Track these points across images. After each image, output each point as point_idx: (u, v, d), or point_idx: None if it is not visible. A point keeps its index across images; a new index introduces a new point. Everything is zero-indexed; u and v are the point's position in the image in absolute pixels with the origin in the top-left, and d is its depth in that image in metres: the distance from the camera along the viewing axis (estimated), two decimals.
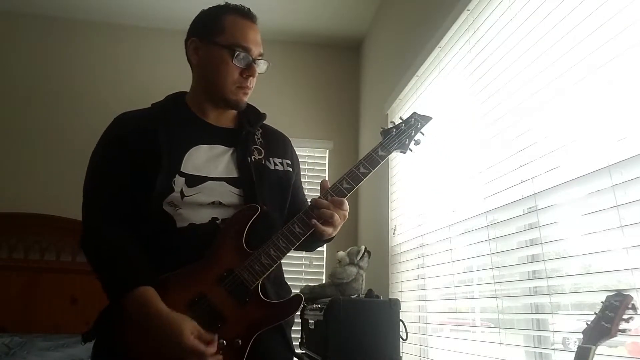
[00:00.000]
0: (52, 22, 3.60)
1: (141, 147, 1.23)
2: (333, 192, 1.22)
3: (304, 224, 1.19)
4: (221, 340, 1.11)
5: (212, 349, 1.08)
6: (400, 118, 1.36)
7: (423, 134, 1.36)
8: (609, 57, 1.17)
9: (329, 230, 1.21)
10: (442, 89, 2.15)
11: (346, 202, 1.22)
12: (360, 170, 1.25)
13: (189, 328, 1.07)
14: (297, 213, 1.31)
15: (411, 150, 1.34)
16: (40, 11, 3.55)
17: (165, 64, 3.48)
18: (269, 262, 1.17)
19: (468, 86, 1.89)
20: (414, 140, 1.34)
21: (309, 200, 1.29)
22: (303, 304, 1.26)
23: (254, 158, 1.31)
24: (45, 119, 3.44)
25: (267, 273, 1.17)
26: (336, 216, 1.20)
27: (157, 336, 1.07)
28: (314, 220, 1.19)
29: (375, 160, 1.26)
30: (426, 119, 1.37)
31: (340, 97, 3.81)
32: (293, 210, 1.35)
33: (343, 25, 3.64)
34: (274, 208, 1.31)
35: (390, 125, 1.34)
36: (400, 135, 1.32)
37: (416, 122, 1.35)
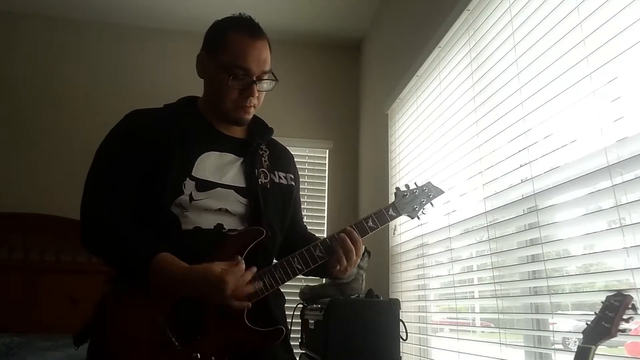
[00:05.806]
0: (55, 22, 3.60)
1: (152, 146, 1.24)
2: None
3: (303, 260, 1.21)
4: (195, 354, 1.11)
5: (242, 265, 1.13)
6: (415, 184, 1.39)
7: (433, 205, 1.39)
8: (609, 56, 1.17)
9: (343, 264, 1.21)
10: (442, 89, 2.15)
11: (361, 247, 1.25)
12: (368, 224, 1.29)
13: (219, 268, 1.11)
14: (292, 229, 1.37)
15: (419, 219, 1.38)
16: (43, 11, 3.54)
17: (170, 65, 3.49)
18: (262, 289, 1.18)
19: (468, 86, 1.89)
20: (423, 209, 1.37)
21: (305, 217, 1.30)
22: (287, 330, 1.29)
23: (262, 170, 1.34)
24: (46, 119, 3.44)
25: (258, 298, 1.18)
26: (354, 252, 1.22)
27: (196, 289, 1.10)
28: (339, 248, 1.21)
29: (384, 218, 1.32)
30: (439, 191, 1.41)
31: (340, 97, 3.82)
32: (289, 225, 1.39)
33: (343, 25, 3.64)
34: (276, 220, 1.33)
35: (404, 188, 1.38)
36: (412, 202, 1.36)
37: (429, 191, 1.39)
